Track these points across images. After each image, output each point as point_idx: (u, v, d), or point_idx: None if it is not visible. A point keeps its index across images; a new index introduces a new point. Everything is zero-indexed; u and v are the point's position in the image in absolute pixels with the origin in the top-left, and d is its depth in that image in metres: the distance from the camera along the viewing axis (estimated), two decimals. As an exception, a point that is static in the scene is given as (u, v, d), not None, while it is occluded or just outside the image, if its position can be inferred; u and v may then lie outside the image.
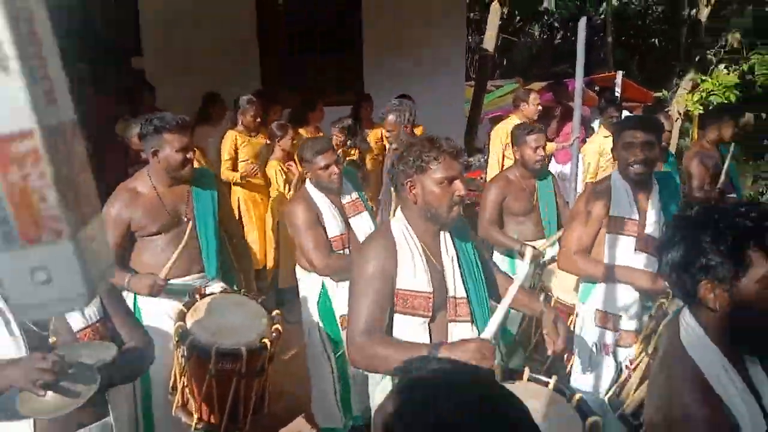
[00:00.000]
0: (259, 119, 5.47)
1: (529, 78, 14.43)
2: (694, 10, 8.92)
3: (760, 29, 8.92)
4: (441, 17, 8.18)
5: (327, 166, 3.21)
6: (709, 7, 8.28)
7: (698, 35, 8.62)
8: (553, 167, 7.21)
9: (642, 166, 2.93)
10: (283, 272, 5.02)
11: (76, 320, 1.96)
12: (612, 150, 3.15)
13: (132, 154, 4.46)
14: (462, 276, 2.22)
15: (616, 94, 9.84)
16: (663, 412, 1.45)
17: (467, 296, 2.20)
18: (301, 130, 5.77)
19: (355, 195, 3.43)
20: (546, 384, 2.17)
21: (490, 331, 1.98)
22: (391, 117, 4.59)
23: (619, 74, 14.51)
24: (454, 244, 2.26)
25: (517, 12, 13.31)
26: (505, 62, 23.20)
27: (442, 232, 2.25)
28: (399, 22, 7.68)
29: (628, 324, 2.99)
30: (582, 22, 6.40)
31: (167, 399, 2.70)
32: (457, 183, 2.13)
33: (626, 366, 2.94)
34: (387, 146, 5.02)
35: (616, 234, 2.99)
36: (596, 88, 10.41)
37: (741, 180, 6.22)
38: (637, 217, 2.98)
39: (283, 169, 5.19)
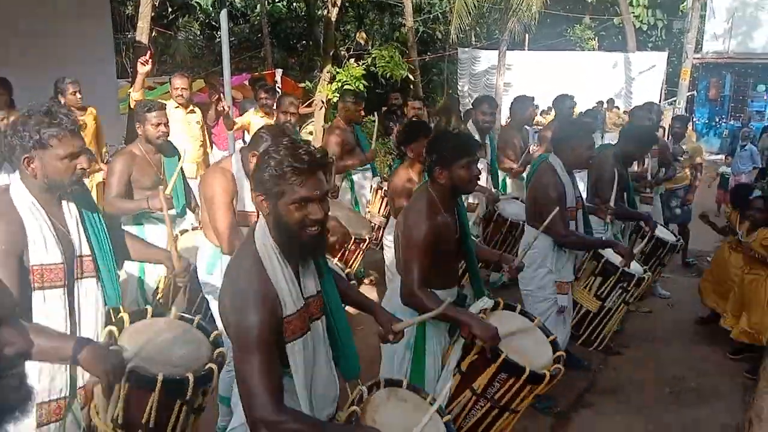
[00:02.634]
0: None
1: (193, 75, 14.56)
2: (326, 11, 10.14)
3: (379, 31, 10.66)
4: (83, 7, 7.94)
5: None
6: (336, 8, 9.52)
7: (330, 33, 9.83)
8: (218, 153, 7.66)
9: None
10: None
11: None
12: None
13: None
14: (87, 236, 2.33)
15: (278, 88, 10.82)
16: (229, 295, 1.90)
17: (92, 254, 2.33)
18: None
19: None
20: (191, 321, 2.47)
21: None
22: None
23: (278, 72, 15.70)
24: (77, 207, 2.33)
25: (168, 3, 13.28)
26: (168, 60, 22.87)
27: (63, 200, 2.29)
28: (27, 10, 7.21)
29: None
30: (223, 14, 6.93)
31: None
32: (81, 158, 2.20)
33: None
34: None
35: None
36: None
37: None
38: None
39: None
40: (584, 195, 5.29)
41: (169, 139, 4.21)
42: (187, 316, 2.45)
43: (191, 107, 6.19)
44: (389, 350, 2.95)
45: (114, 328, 2.21)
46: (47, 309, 2.18)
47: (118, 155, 4.18)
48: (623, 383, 4.58)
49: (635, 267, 4.16)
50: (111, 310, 2.43)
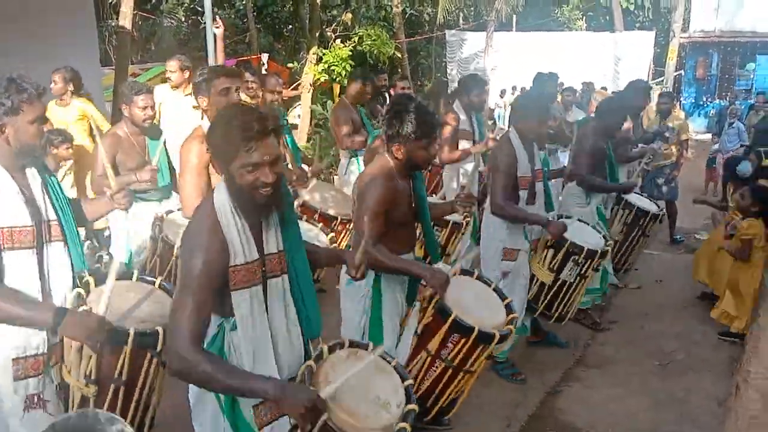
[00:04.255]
0: None
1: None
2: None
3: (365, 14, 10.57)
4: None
5: None
6: (321, -11, 9.43)
7: (315, 14, 9.75)
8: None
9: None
10: None
11: None
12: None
13: None
14: (51, 202, 2.40)
15: (264, 71, 10.78)
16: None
17: (58, 219, 2.40)
18: None
19: None
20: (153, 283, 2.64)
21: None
22: None
23: (264, 56, 15.61)
24: (39, 174, 2.40)
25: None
26: (153, 47, 22.63)
27: (27, 168, 2.37)
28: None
29: None
30: (207, -3, 6.86)
31: None
32: (47, 123, 2.35)
33: None
34: None
35: None
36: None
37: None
38: None
39: None
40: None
41: (154, 122, 4.20)
42: (148, 278, 2.61)
43: (190, 91, 6.07)
44: (349, 317, 3.04)
45: (82, 291, 2.31)
46: (18, 270, 2.24)
47: (103, 137, 4.16)
48: (612, 357, 4.61)
49: (596, 241, 4.16)
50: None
